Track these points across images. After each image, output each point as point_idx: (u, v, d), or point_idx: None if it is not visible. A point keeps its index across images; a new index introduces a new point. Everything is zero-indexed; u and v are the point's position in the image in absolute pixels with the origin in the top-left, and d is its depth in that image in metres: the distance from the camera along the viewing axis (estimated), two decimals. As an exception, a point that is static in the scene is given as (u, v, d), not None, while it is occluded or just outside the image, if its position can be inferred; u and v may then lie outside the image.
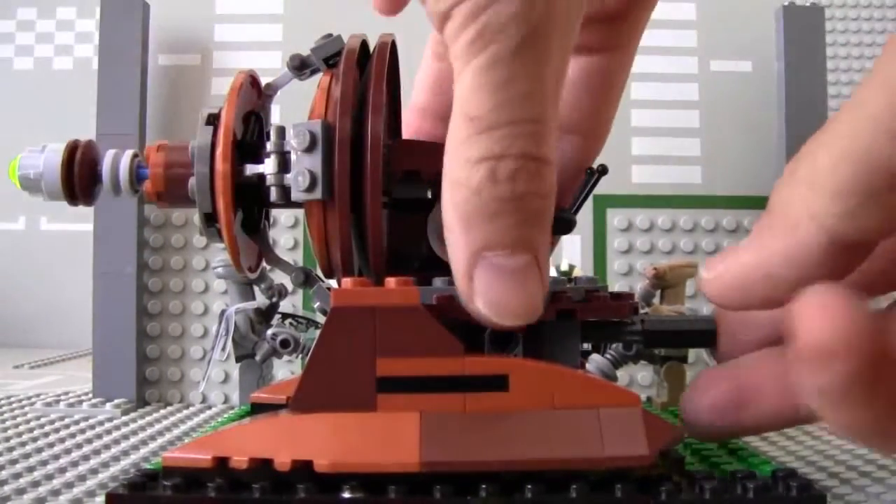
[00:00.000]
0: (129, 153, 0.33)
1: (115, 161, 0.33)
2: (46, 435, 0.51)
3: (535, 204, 0.26)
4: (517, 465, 0.25)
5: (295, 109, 0.39)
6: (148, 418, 0.59)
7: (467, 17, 0.25)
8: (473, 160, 0.25)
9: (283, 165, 0.30)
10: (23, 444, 0.48)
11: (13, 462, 0.44)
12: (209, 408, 0.65)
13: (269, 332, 0.53)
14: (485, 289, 0.26)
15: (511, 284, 0.26)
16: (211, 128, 0.31)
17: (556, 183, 0.27)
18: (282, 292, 0.54)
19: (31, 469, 0.43)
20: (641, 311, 0.41)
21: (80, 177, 0.33)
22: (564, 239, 0.68)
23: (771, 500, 0.27)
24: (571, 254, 0.71)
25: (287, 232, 0.70)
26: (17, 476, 0.41)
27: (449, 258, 0.27)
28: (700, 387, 0.28)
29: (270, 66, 0.67)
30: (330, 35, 0.32)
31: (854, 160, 0.18)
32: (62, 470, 0.43)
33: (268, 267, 0.38)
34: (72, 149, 0.33)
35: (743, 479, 0.28)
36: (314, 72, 0.32)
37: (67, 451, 0.47)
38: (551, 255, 0.36)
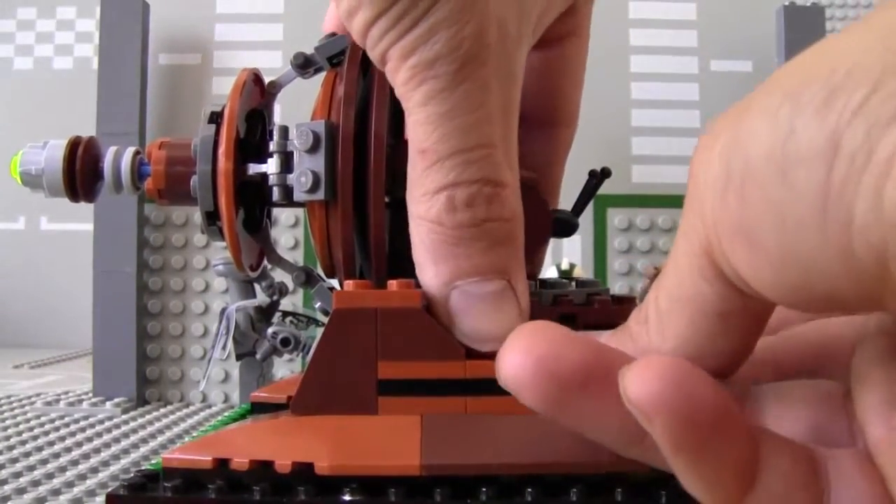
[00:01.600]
0: (131, 150, 0.33)
1: (117, 158, 0.33)
2: (46, 434, 0.51)
3: (499, 228, 0.26)
4: (518, 468, 0.24)
5: (295, 108, 0.39)
6: (148, 417, 0.59)
7: (400, 59, 0.26)
8: (431, 192, 0.26)
9: (286, 165, 0.30)
10: (23, 444, 0.48)
11: (13, 461, 0.44)
12: (209, 407, 0.65)
13: (270, 330, 0.53)
14: (460, 318, 0.26)
15: (485, 311, 0.26)
16: (214, 125, 0.31)
17: (520, 205, 0.27)
18: (282, 290, 0.54)
19: (31, 468, 0.43)
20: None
21: (81, 173, 0.33)
22: (565, 238, 0.68)
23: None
24: (571, 253, 0.71)
25: (288, 231, 0.70)
26: (18, 475, 0.41)
27: (427, 295, 0.27)
28: (535, 339, 0.18)
29: (271, 65, 0.67)
30: (334, 34, 0.32)
31: (686, 311, 0.18)
32: (62, 469, 0.43)
33: (269, 265, 0.38)
34: (73, 145, 0.33)
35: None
36: (318, 70, 0.32)
37: (67, 450, 0.47)
38: (541, 264, 0.36)
